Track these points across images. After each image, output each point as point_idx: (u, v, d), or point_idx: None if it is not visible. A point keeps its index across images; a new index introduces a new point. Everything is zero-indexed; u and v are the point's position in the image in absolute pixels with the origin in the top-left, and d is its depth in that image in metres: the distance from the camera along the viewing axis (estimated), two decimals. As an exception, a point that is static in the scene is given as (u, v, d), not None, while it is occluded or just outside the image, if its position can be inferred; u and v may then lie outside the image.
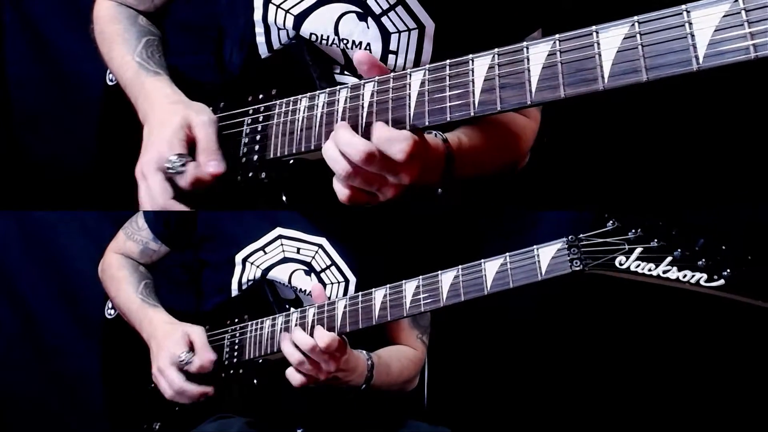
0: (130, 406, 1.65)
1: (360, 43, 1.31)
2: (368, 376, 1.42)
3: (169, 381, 1.45)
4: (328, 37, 1.31)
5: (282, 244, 1.52)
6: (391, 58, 1.32)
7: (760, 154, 1.80)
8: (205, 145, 1.18)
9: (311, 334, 1.32)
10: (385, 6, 1.28)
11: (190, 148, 1.19)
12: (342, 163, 1.02)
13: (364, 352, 1.44)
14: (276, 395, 1.47)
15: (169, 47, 1.44)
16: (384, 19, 1.29)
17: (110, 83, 1.49)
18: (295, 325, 1.38)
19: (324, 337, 1.29)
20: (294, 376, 1.33)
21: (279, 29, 1.32)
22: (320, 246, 1.51)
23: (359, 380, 1.41)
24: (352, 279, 1.52)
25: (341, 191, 1.06)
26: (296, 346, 1.32)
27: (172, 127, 1.18)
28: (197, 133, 1.19)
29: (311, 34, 1.31)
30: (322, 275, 1.52)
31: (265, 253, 1.52)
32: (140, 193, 1.20)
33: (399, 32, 1.30)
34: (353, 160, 1.00)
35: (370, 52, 1.30)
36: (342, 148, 1.02)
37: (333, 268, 1.52)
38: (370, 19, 1.29)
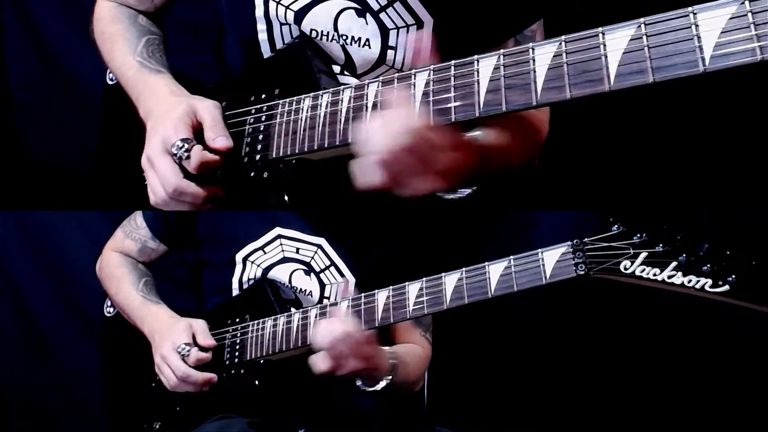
0: (130, 405, 1.64)
1: (359, 39, 1.30)
2: (391, 376, 1.39)
3: (173, 367, 1.44)
4: (327, 33, 1.30)
5: (281, 244, 1.52)
6: (390, 53, 1.31)
7: (766, 158, 1.79)
8: (210, 123, 1.18)
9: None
10: (384, 2, 1.28)
11: (196, 134, 1.18)
12: (382, 144, 0.96)
13: (388, 350, 1.41)
14: (277, 395, 1.47)
15: (170, 47, 1.44)
16: (382, 15, 1.29)
17: (110, 82, 1.49)
18: (296, 326, 1.38)
19: (351, 326, 1.28)
20: (317, 364, 1.30)
21: (282, 24, 1.32)
22: (319, 246, 1.51)
23: (380, 377, 1.38)
24: (352, 279, 1.51)
25: (371, 174, 0.97)
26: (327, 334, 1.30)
27: (177, 114, 1.18)
28: (203, 116, 1.19)
29: (311, 29, 1.31)
30: (322, 275, 1.51)
31: (265, 252, 1.52)
32: (149, 182, 1.19)
33: (398, 28, 1.30)
34: (407, 141, 0.94)
35: (370, 48, 1.30)
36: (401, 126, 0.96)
37: (332, 268, 1.51)
38: (368, 15, 1.29)
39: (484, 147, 1.18)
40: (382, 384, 1.38)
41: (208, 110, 1.20)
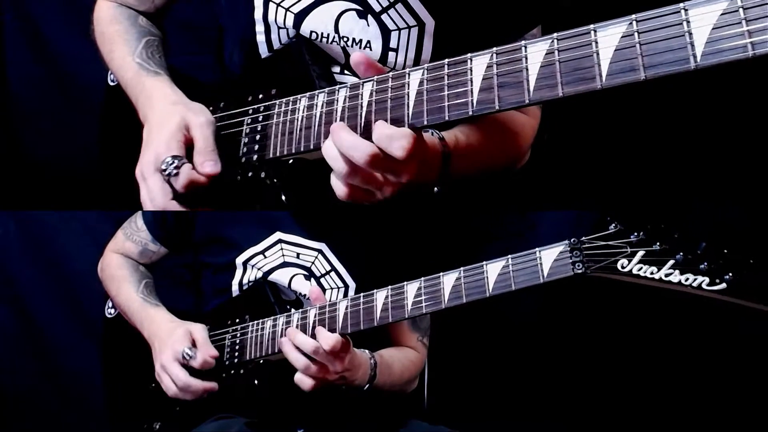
0: (130, 406, 1.65)
1: (360, 40, 1.30)
2: (372, 375, 1.42)
3: (173, 377, 1.44)
4: (328, 35, 1.30)
5: (282, 249, 1.51)
6: (391, 55, 1.31)
7: (763, 156, 1.79)
8: (201, 146, 1.18)
9: (313, 336, 1.32)
10: (385, 3, 1.28)
11: (188, 149, 1.19)
12: (341, 162, 1.02)
13: (367, 351, 1.44)
14: (277, 395, 1.47)
15: (170, 47, 1.44)
16: (384, 17, 1.29)
17: (111, 83, 1.49)
18: (296, 326, 1.38)
19: (328, 339, 1.29)
20: (304, 381, 1.32)
21: (279, 28, 1.32)
22: (320, 251, 1.51)
23: (363, 379, 1.41)
24: (352, 284, 1.51)
25: (340, 189, 1.06)
26: (300, 351, 1.32)
27: (170, 129, 1.19)
28: (194, 135, 1.19)
29: (311, 32, 1.31)
30: (322, 280, 1.51)
31: (265, 257, 1.52)
32: (141, 194, 1.21)
33: (399, 30, 1.30)
34: (358, 163, 1.00)
35: (371, 50, 1.31)
36: (345, 151, 1.01)
37: (333, 273, 1.51)
38: (370, 16, 1.29)
39: (455, 149, 1.19)
40: (366, 386, 1.41)
41: (200, 129, 1.20)
